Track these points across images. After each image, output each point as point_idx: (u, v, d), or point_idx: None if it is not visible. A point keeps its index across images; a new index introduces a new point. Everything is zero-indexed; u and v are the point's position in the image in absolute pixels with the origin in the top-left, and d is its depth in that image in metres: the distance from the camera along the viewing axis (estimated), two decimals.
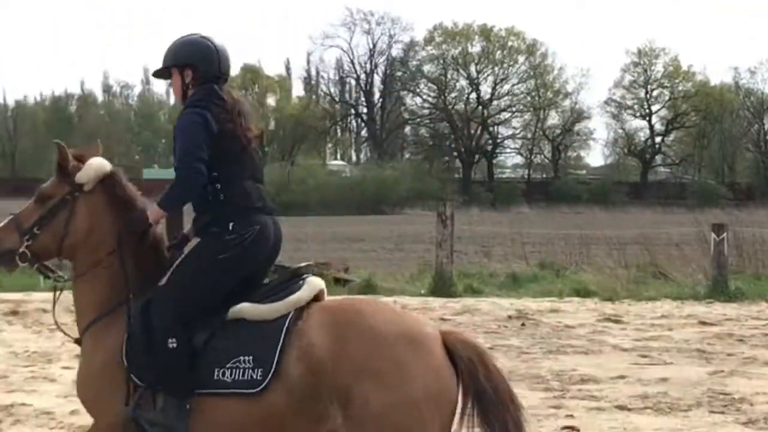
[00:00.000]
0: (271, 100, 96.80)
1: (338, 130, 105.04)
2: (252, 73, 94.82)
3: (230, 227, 4.96)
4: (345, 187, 77.90)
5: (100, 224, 5.14)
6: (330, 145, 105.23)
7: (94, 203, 5.15)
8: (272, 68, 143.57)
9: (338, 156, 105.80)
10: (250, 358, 4.72)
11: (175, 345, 4.80)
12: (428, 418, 4.51)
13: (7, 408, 8.69)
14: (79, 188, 5.16)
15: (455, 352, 4.65)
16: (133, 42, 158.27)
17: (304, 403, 4.64)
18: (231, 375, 4.73)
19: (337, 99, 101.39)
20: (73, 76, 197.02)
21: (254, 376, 4.70)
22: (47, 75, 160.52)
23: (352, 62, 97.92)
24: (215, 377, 4.75)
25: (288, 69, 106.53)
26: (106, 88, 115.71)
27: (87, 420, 8.19)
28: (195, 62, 5.13)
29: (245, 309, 4.86)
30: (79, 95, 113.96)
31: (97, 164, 5.21)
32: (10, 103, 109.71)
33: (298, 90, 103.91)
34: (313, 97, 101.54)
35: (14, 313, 15.31)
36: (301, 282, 4.95)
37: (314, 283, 4.97)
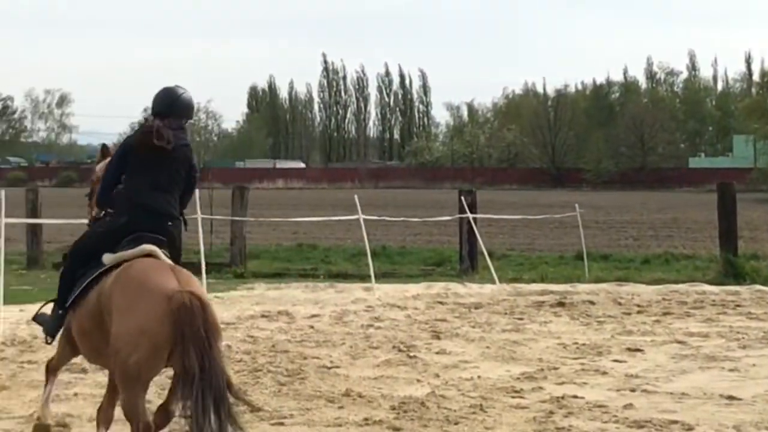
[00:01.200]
0: None
1: None
2: None
3: (112, 213, 7.01)
4: None
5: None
6: None
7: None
8: None
9: None
10: (81, 287, 6.76)
11: (64, 270, 7.09)
12: (138, 346, 6.08)
13: (559, 400, 8.67)
14: (97, 178, 7.48)
15: (173, 304, 6.06)
16: (677, 26, 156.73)
17: (98, 322, 6.48)
18: (71, 295, 6.83)
19: None
20: (616, 64, 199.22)
21: (72, 298, 6.81)
22: (589, 63, 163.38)
23: None
24: (71, 297, 6.84)
25: None
26: (650, 75, 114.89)
27: (642, 415, 8.07)
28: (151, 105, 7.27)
29: (104, 257, 6.76)
30: (621, 82, 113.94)
31: (102, 164, 7.48)
32: (550, 92, 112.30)
33: None
34: None
35: (561, 304, 15.50)
36: (135, 246, 6.69)
37: (143, 248, 6.66)
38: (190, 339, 6.02)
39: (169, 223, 6.93)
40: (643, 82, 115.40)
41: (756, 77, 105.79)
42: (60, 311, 6.97)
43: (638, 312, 14.71)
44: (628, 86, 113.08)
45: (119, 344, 6.15)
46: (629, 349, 11.35)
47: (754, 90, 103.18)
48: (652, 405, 8.50)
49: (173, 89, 7.13)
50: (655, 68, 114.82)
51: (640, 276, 19.90)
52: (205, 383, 5.94)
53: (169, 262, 6.66)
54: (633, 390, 9.16)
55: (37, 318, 7.40)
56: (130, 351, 6.09)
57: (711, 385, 9.33)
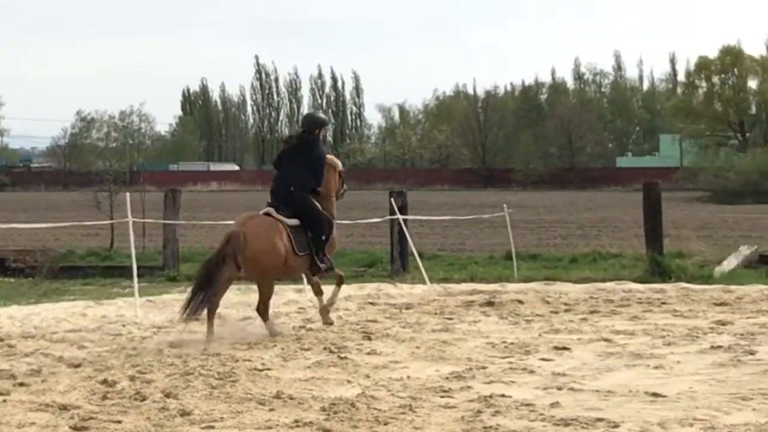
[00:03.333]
0: (752, 83, 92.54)
1: None
2: (732, 54, 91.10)
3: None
4: None
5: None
6: None
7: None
8: (754, 49, 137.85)
9: None
10: None
11: None
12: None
13: (486, 399, 8.76)
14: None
15: (229, 234, 12.07)
16: (603, 27, 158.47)
17: None
18: None
19: None
20: (544, 65, 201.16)
21: None
22: (517, 64, 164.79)
23: None
24: None
25: None
26: (578, 76, 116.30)
27: (568, 413, 8.20)
28: None
29: None
30: (549, 83, 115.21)
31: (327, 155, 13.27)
32: (480, 93, 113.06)
33: None
34: None
35: (490, 304, 15.63)
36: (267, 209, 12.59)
37: (266, 209, 12.52)
38: (220, 253, 11.81)
39: (292, 189, 12.51)
40: (571, 83, 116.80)
41: (681, 77, 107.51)
42: None
43: (566, 310, 14.89)
44: (556, 87, 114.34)
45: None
46: (556, 348, 11.48)
47: (679, 90, 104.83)
48: (578, 403, 8.61)
49: (308, 114, 13.95)
50: (582, 69, 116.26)
51: (568, 275, 20.10)
52: (203, 278, 11.91)
53: (269, 216, 12.34)
54: (560, 388, 9.26)
55: None
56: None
57: (636, 382, 9.46)
